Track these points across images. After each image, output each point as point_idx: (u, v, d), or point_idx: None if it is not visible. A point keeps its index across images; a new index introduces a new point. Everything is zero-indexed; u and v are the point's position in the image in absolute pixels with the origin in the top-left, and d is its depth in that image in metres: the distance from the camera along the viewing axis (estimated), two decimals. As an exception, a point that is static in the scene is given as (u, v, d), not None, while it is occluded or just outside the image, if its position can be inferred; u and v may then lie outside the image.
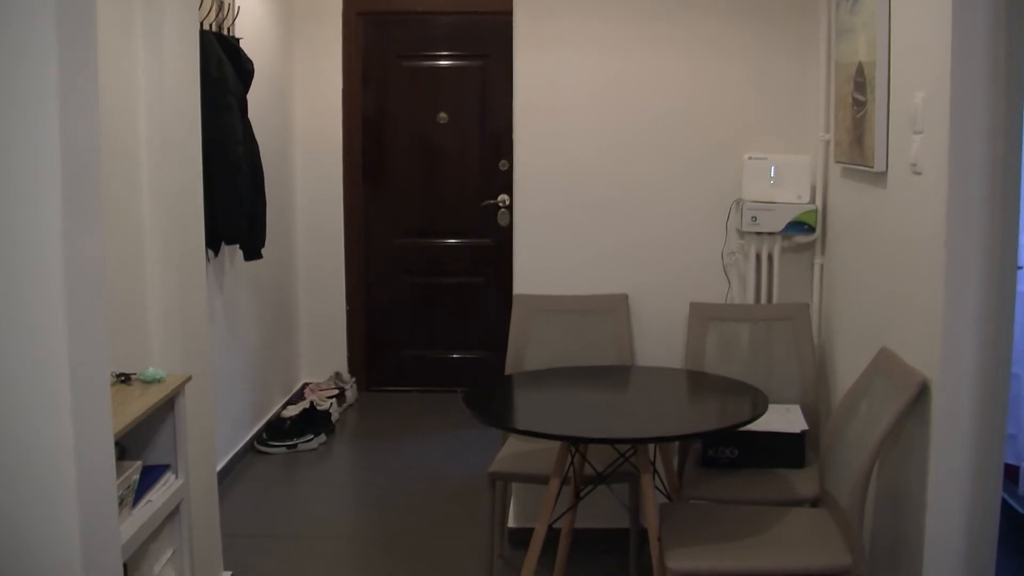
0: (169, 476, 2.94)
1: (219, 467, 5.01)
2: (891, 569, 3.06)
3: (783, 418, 3.66)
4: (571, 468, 3.52)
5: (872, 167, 3.22)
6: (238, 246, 5.02)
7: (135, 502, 2.75)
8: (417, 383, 6.84)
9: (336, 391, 6.38)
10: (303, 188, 6.58)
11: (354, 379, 6.66)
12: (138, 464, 2.75)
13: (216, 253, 4.86)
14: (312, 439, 5.70)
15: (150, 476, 2.89)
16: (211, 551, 3.79)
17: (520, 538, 4.34)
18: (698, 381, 3.76)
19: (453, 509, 4.80)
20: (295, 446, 5.64)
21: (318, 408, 5.98)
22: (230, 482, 5.09)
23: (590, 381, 3.75)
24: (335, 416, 6.14)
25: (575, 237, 4.17)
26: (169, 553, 2.97)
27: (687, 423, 3.33)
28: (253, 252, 5.00)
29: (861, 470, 2.84)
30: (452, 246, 6.73)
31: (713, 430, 3.18)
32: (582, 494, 3.67)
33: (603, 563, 4.18)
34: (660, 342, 4.18)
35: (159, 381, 2.95)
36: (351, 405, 6.53)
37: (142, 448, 2.93)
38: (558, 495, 3.36)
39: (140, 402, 2.78)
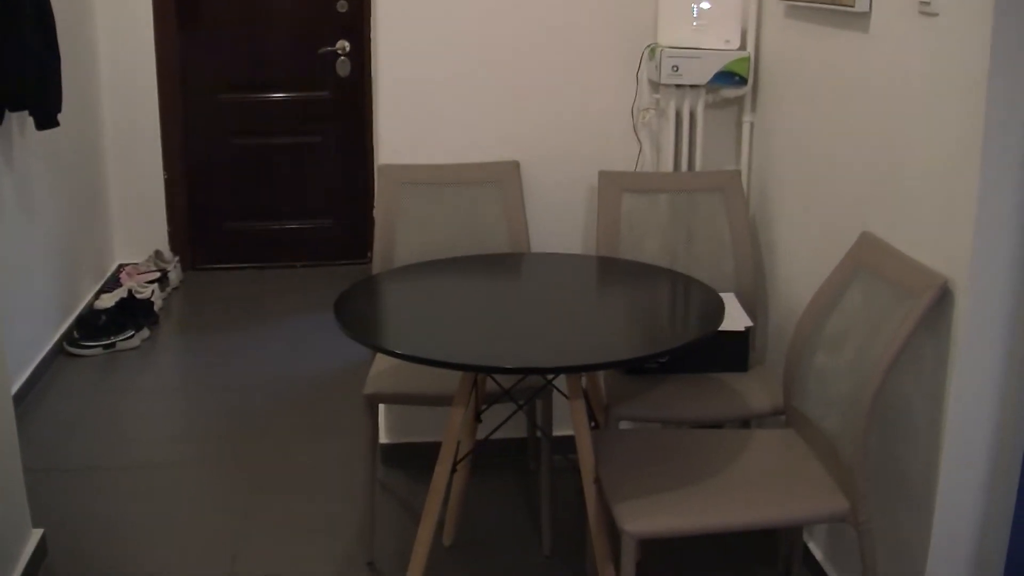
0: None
1: (20, 382, 4.16)
2: (886, 511, 2.50)
3: (719, 312, 3.03)
4: (474, 390, 2.85)
5: (852, 6, 2.54)
6: (27, 113, 4.06)
7: None
8: (250, 259, 6.02)
9: (157, 273, 5.50)
10: (106, 38, 5.52)
11: (177, 258, 5.78)
12: None
13: (0, 122, 3.90)
14: (133, 335, 4.84)
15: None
16: (15, 512, 2.99)
17: (395, 455, 3.69)
18: (620, 272, 3.06)
19: (309, 415, 4.08)
20: (113, 345, 4.78)
21: (137, 296, 5.12)
22: (35, 399, 4.23)
23: (482, 277, 3.01)
24: (158, 304, 5.28)
25: (453, 92, 3.39)
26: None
27: (626, 339, 2.54)
28: (47, 119, 4.03)
29: (865, 400, 2.22)
30: (283, 101, 5.83)
31: (669, 349, 2.48)
32: (482, 415, 3.01)
33: (505, 478, 3.56)
34: (560, 221, 3.49)
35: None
36: (176, 288, 5.67)
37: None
38: (459, 429, 2.67)
39: None
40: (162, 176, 5.77)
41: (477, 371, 2.35)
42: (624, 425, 2.83)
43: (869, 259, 2.46)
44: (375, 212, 3.37)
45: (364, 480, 3.06)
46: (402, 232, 3.34)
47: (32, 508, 3.30)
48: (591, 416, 3.04)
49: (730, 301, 3.11)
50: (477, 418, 2.97)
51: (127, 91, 5.60)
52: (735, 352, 3.00)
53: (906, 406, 2.37)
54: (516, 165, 3.38)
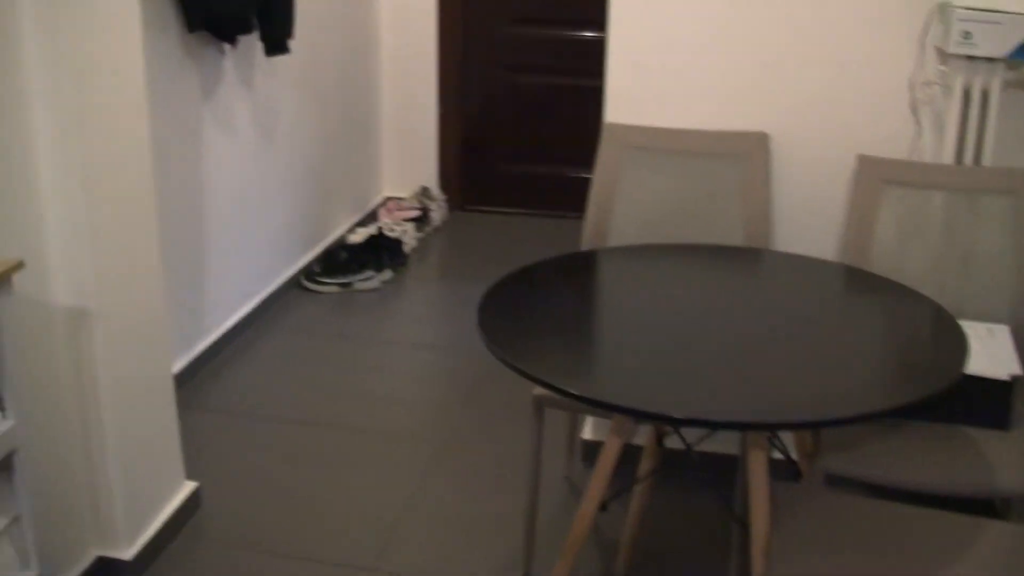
0: (-13, 419, 1.89)
1: (241, 314, 4.03)
2: None
3: (984, 348, 2.39)
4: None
5: None
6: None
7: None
8: (520, 204, 5.69)
9: (418, 212, 5.26)
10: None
11: (444, 197, 5.52)
12: None
13: (233, 45, 3.71)
14: (372, 276, 4.62)
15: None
16: (166, 463, 2.80)
17: (596, 454, 3.24)
18: (861, 291, 2.42)
19: (517, 394, 3.68)
20: (350, 284, 4.58)
21: (387, 235, 4.89)
22: (253, 335, 4.08)
23: (697, 279, 2.47)
24: (411, 244, 5.04)
25: (697, 47, 2.86)
26: (2, 524, 1.95)
27: (835, 395, 1.90)
28: (276, 44, 3.79)
29: None
30: (570, 40, 5.41)
31: (873, 412, 1.87)
32: (665, 441, 2.52)
33: (698, 496, 3.05)
34: (810, 210, 2.90)
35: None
36: (437, 229, 5.42)
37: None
38: (616, 463, 2.19)
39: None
40: (436, 110, 5.51)
41: (633, 415, 1.86)
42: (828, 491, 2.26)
43: None
44: (595, 176, 2.92)
45: (528, 484, 2.64)
46: (621, 204, 2.88)
47: (201, 456, 3.16)
48: (792, 462, 2.48)
49: (1000, 335, 2.45)
50: (659, 442, 2.48)
51: (404, 18, 5.36)
52: (994, 405, 2.34)
53: None
54: (764, 137, 2.82)
